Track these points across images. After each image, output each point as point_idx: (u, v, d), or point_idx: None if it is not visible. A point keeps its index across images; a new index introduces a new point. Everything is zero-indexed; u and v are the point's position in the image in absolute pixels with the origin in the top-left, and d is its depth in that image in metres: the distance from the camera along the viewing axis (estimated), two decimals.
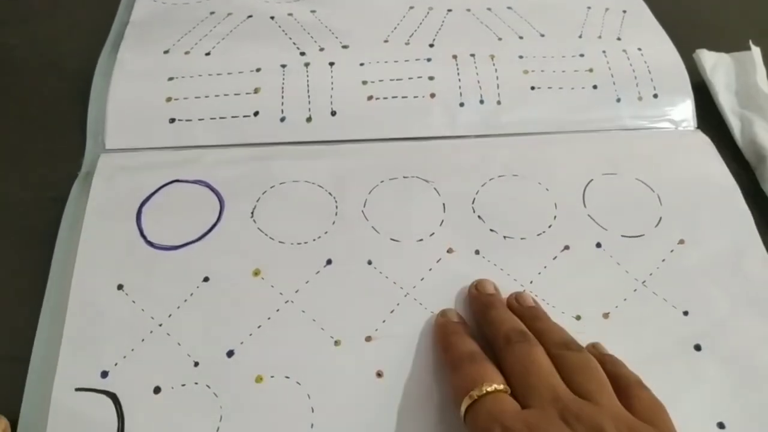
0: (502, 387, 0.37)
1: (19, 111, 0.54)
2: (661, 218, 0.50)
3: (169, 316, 0.43)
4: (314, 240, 0.47)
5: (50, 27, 0.61)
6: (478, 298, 0.44)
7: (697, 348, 0.44)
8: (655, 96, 0.57)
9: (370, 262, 0.46)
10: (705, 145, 0.55)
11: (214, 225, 0.47)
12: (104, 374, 0.40)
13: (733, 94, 0.58)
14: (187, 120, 0.52)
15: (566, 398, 0.35)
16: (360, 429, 0.40)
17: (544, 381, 0.36)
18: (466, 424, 0.36)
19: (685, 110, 0.57)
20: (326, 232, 0.47)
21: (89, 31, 0.59)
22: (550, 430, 0.33)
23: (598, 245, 0.48)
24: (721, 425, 0.41)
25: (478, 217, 0.49)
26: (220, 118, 0.53)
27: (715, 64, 0.59)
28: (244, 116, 0.53)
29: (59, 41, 0.60)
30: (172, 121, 0.52)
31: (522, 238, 0.48)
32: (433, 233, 0.48)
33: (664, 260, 0.47)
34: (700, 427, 0.41)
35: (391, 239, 0.47)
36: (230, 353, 0.41)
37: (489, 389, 0.36)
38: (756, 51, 0.58)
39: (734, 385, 0.42)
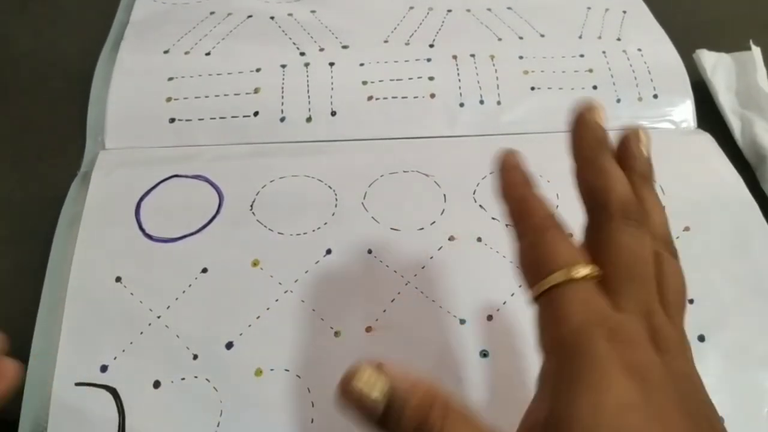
0: (598, 273, 0.29)
1: (19, 111, 0.54)
2: (664, 207, 0.49)
3: (168, 307, 0.42)
4: (314, 231, 0.47)
5: (50, 27, 0.61)
6: (593, 128, 0.34)
7: (701, 339, 0.43)
8: (655, 96, 0.57)
9: (370, 251, 0.46)
10: (707, 142, 0.55)
11: (213, 218, 0.47)
12: (104, 368, 0.40)
13: (734, 94, 0.58)
14: (187, 120, 0.52)
15: (659, 317, 0.29)
16: None
17: (647, 289, 0.29)
18: (540, 304, 0.29)
19: (685, 110, 0.57)
20: (326, 223, 0.47)
21: (89, 31, 0.59)
22: (639, 349, 0.27)
23: None
24: (720, 420, 0.40)
25: (480, 206, 0.49)
26: (220, 118, 0.53)
27: (715, 64, 0.59)
28: (244, 116, 0.53)
29: (59, 41, 0.60)
30: (172, 120, 0.52)
31: None
32: (434, 222, 0.48)
33: None
34: None
35: (392, 228, 0.47)
36: (229, 345, 0.41)
37: (587, 273, 0.29)
38: (756, 51, 0.59)
39: (736, 379, 0.42)
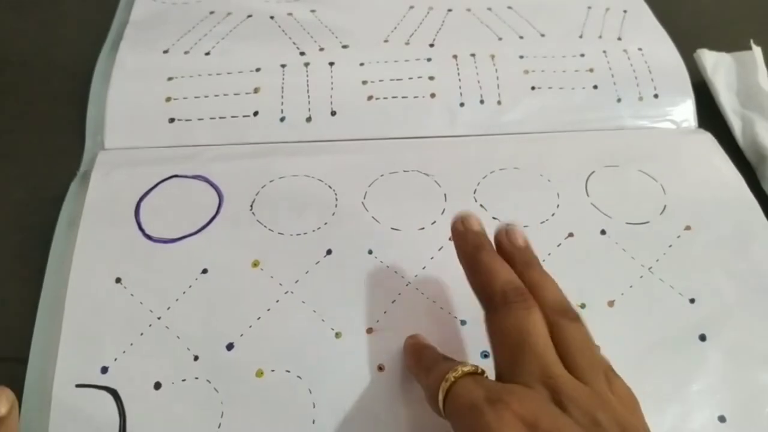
0: (480, 370, 0.34)
1: (18, 111, 0.54)
2: (665, 206, 0.50)
3: (168, 308, 0.42)
4: (314, 231, 0.46)
5: (50, 27, 0.61)
6: (465, 236, 0.38)
7: (702, 338, 0.43)
8: (656, 96, 0.57)
9: (370, 252, 0.46)
10: (708, 141, 0.55)
11: (213, 218, 0.47)
12: (104, 370, 0.40)
13: (734, 94, 0.58)
14: (186, 120, 0.52)
15: (560, 378, 0.31)
16: (362, 424, 0.39)
17: (540, 358, 0.32)
18: (446, 414, 0.33)
19: (685, 110, 0.57)
20: (326, 223, 0.47)
21: (89, 31, 0.59)
22: (540, 411, 0.30)
23: (603, 232, 0.48)
24: (722, 419, 0.40)
25: (480, 205, 0.49)
26: (220, 117, 0.53)
27: (715, 63, 0.59)
28: (244, 116, 0.53)
29: (58, 41, 0.60)
30: (172, 120, 0.52)
31: (525, 226, 0.47)
32: (435, 221, 0.48)
33: (671, 246, 0.47)
34: (702, 420, 0.40)
35: (392, 228, 0.47)
36: (230, 346, 0.41)
37: (466, 369, 0.33)
38: (757, 50, 0.58)
39: (737, 378, 0.42)
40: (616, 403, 0.31)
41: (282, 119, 0.53)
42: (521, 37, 0.60)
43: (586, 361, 0.33)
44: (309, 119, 0.53)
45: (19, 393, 0.39)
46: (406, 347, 0.41)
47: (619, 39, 0.60)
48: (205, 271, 0.44)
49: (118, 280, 0.43)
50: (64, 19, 0.62)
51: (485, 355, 0.42)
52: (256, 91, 0.54)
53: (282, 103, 0.53)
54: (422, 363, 0.38)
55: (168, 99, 0.53)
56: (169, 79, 0.54)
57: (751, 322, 0.44)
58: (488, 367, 0.41)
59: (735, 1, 0.69)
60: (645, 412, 0.40)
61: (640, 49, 0.59)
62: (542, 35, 0.60)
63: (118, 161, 0.50)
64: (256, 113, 0.53)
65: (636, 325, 0.44)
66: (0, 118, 0.54)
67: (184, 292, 0.43)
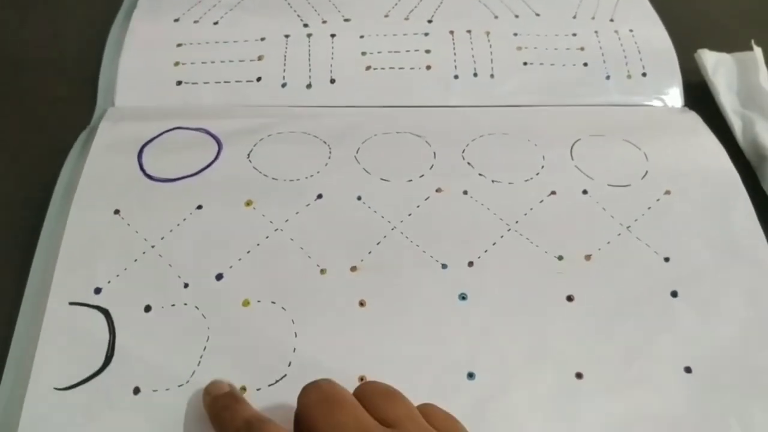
0: None
1: (13, 109, 0.56)
2: (647, 171, 0.51)
3: (162, 238, 0.44)
4: (306, 178, 0.48)
5: (48, 23, 0.63)
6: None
7: (674, 294, 0.44)
8: (644, 75, 0.58)
9: (359, 198, 0.47)
10: (693, 119, 0.56)
11: (211, 162, 0.49)
12: (97, 291, 0.42)
13: (735, 94, 0.58)
14: (193, 83, 0.55)
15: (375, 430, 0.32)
16: (340, 354, 0.41)
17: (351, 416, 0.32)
18: None
19: (673, 89, 0.58)
20: (318, 172, 0.49)
21: (86, 28, 0.61)
22: None
23: (585, 192, 0.49)
24: (688, 369, 0.41)
25: (468, 163, 0.50)
26: (225, 82, 0.55)
27: (716, 64, 0.59)
28: (248, 81, 0.55)
29: (57, 37, 0.62)
30: (179, 83, 0.55)
31: (510, 183, 0.49)
32: (423, 175, 0.49)
33: (650, 208, 0.48)
34: (667, 371, 0.41)
35: (382, 179, 0.49)
36: (219, 276, 0.43)
37: None
38: (758, 51, 0.59)
39: (704, 333, 0.43)
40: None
41: (283, 85, 0.55)
42: (516, 16, 0.62)
43: (393, 406, 0.34)
44: (309, 86, 0.55)
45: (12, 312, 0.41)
46: (205, 407, 0.38)
47: (612, 20, 0.62)
48: (200, 207, 0.46)
49: (116, 212, 0.45)
50: (63, 13, 0.64)
51: (463, 297, 0.43)
52: (260, 58, 0.56)
53: (284, 70, 0.56)
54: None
55: (176, 63, 0.56)
56: (179, 45, 0.57)
57: (722, 282, 0.45)
58: (466, 309, 0.43)
59: (736, 1, 0.69)
60: (614, 361, 0.42)
61: (631, 30, 0.61)
62: (537, 15, 0.62)
63: (125, 115, 0.52)
64: (259, 79, 0.55)
65: (611, 279, 0.45)
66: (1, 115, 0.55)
67: (178, 225, 0.45)
